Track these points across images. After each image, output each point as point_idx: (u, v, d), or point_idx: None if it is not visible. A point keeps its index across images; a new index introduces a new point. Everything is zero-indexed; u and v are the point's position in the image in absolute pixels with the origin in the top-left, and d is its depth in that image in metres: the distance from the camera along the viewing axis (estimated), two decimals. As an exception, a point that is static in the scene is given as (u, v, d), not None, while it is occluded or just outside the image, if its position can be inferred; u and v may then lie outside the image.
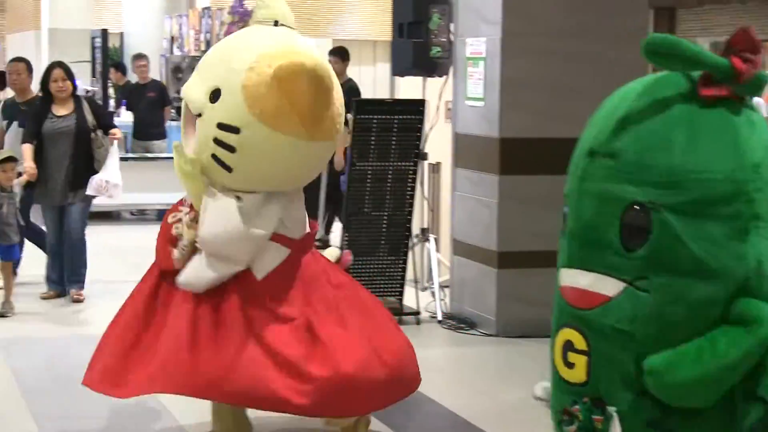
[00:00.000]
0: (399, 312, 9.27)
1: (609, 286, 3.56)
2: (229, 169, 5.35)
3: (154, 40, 21.93)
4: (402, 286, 9.42)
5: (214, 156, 5.33)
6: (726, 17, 21.48)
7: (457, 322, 9.04)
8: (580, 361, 3.62)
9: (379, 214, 9.29)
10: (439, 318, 9.22)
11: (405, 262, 9.42)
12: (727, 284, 3.42)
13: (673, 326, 3.45)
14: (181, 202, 5.68)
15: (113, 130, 9.58)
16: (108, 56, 19.91)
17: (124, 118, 15.74)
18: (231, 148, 5.30)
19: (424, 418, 6.93)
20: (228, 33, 5.16)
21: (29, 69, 10.48)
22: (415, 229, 9.61)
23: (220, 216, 5.38)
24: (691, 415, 3.53)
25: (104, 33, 21.30)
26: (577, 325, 3.64)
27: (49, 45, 29.04)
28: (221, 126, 5.28)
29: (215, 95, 5.30)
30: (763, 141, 3.56)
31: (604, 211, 3.57)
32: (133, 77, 17.10)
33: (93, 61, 21.36)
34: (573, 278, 3.71)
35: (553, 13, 8.30)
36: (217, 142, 5.30)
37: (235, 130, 5.26)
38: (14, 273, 9.37)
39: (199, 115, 5.32)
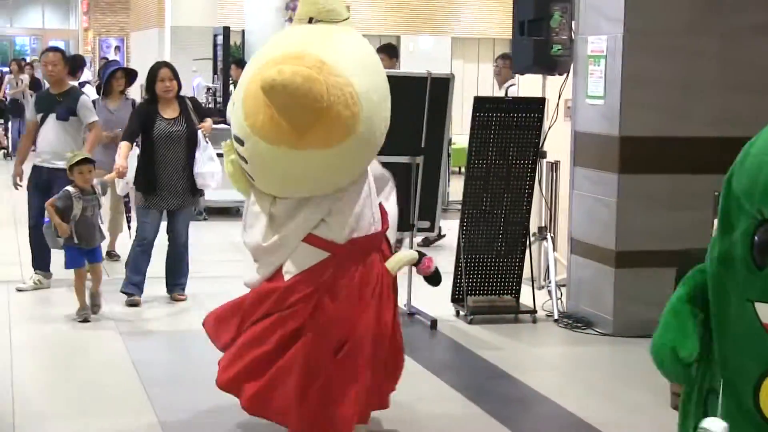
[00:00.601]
0: (515, 310, 9.30)
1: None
2: (252, 177, 5.47)
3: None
4: (519, 284, 9.44)
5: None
6: None
7: (574, 321, 9.00)
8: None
9: (497, 212, 9.30)
10: (556, 317, 9.20)
11: (522, 260, 9.43)
12: None
13: None
14: None
15: (204, 122, 9.51)
16: (229, 54, 20.06)
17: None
18: (244, 159, 5.41)
19: (540, 416, 6.94)
20: None
21: (65, 59, 10.37)
22: (533, 227, 9.60)
23: (252, 224, 5.52)
24: None
25: (226, 30, 21.47)
26: None
27: (171, 42, 29.38)
28: (234, 138, 5.42)
29: (233, 105, 5.48)
30: None
31: (739, 227, 3.38)
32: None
33: (215, 59, 21.52)
34: None
35: (675, 10, 8.24)
36: (237, 153, 5.45)
37: (241, 142, 5.35)
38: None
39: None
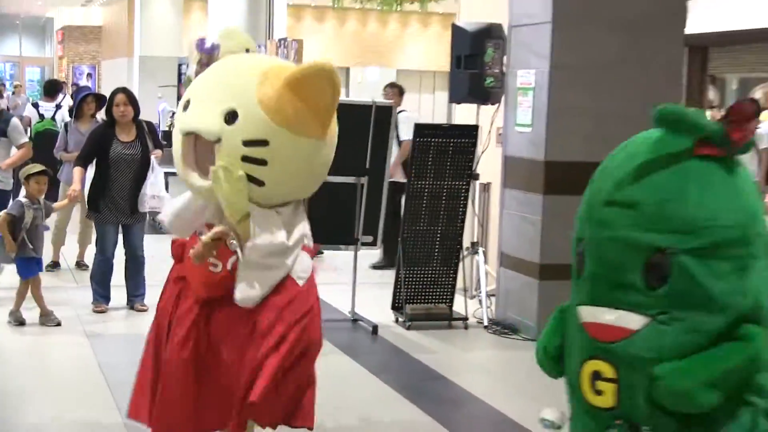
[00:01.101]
0: (449, 317, 9.32)
1: (634, 321, 3.64)
2: (261, 183, 5.14)
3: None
4: (452, 294, 9.46)
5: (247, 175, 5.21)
6: (753, 56, 21.34)
7: (502, 327, 9.03)
8: (609, 388, 3.70)
9: (434, 228, 9.33)
10: (486, 323, 9.23)
11: (456, 272, 9.45)
12: (733, 315, 3.55)
13: (689, 353, 3.54)
14: (194, 236, 5.36)
15: (155, 150, 9.34)
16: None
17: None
18: (262, 162, 5.12)
19: (471, 416, 6.95)
20: (200, 71, 4.95)
21: None
22: (466, 242, 9.62)
23: (267, 230, 5.17)
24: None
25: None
26: (605, 357, 3.70)
27: (139, 70, 29.35)
28: (248, 143, 5.07)
29: (231, 117, 5.09)
30: (753, 192, 3.73)
31: (628, 256, 3.66)
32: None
33: (179, 86, 21.52)
34: (597, 315, 3.76)
35: (596, 49, 8.27)
36: (247, 159, 5.09)
37: (263, 143, 5.10)
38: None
39: (218, 140, 5.06)
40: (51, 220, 9.83)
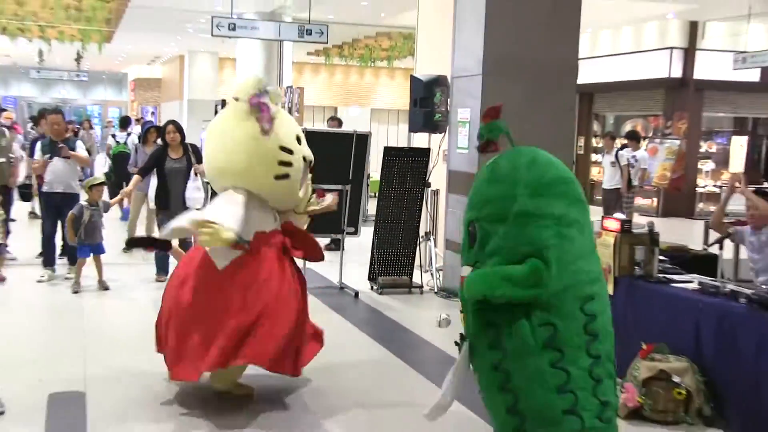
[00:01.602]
0: (409, 286, 9.27)
1: (466, 270, 4.02)
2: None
3: (255, 107, 21.97)
4: (412, 269, 9.42)
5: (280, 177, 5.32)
6: (625, 100, 21.42)
7: (447, 293, 9.00)
8: (462, 316, 4.13)
9: (398, 222, 9.29)
10: (436, 290, 9.21)
11: (414, 253, 9.41)
12: (516, 255, 3.81)
13: None
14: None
15: (196, 165, 9.02)
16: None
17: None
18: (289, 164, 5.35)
19: (425, 355, 6.92)
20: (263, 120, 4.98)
21: (64, 118, 9.72)
22: (422, 232, 9.57)
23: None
24: (509, 335, 3.84)
25: (223, 101, 21.34)
26: (461, 296, 4.11)
27: (188, 110, 29.24)
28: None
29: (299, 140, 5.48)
30: (538, 172, 3.90)
31: (465, 228, 4.08)
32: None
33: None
34: (461, 271, 4.10)
35: (515, 93, 8.14)
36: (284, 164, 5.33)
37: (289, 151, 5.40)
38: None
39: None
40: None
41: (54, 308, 8.05)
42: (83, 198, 8.77)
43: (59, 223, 9.13)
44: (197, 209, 9.07)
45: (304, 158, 5.43)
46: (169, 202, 8.97)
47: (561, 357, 3.77)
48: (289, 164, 5.28)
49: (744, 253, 6.74)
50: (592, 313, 3.84)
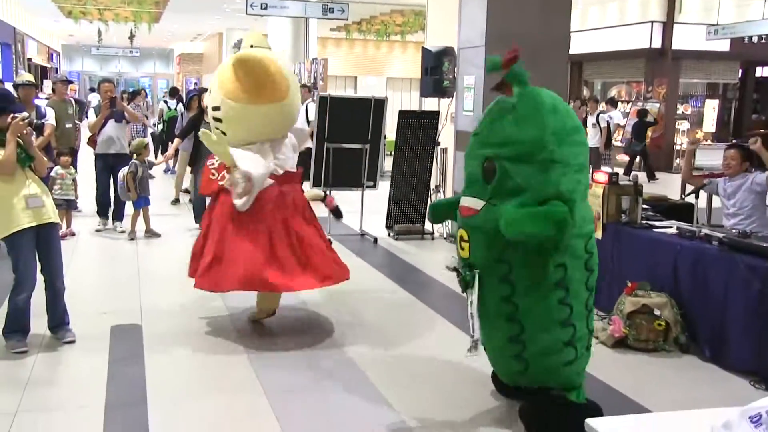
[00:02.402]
0: (422, 232, 9.23)
1: (478, 204, 3.80)
2: (225, 133, 5.22)
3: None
4: (424, 217, 9.35)
5: (216, 128, 5.28)
6: (612, 68, 21.26)
7: (455, 238, 8.89)
8: (466, 246, 3.86)
9: (411, 176, 9.22)
10: (445, 236, 9.15)
11: (426, 203, 9.33)
12: (535, 197, 3.61)
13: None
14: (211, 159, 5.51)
15: None
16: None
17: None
18: (220, 120, 5.23)
19: (434, 291, 6.91)
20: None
21: (115, 86, 9.62)
22: (432, 184, 9.51)
23: (255, 162, 5.11)
24: (522, 271, 3.73)
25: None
26: (464, 227, 3.90)
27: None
28: (212, 109, 5.27)
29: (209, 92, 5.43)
30: (561, 120, 3.70)
31: (476, 163, 3.86)
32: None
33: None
34: (465, 202, 3.92)
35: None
36: (215, 119, 5.28)
37: (217, 109, 5.21)
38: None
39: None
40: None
41: (112, 254, 8.07)
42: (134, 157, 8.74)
43: (111, 180, 8.97)
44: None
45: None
46: (199, 161, 8.92)
47: (567, 294, 3.73)
48: (218, 120, 5.27)
49: (717, 201, 6.68)
50: (591, 250, 3.82)
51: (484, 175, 3.79)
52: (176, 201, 11.13)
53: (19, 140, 4.81)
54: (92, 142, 8.97)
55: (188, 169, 9.98)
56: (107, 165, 8.92)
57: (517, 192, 3.65)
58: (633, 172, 14.31)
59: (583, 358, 3.89)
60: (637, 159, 16.63)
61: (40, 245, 4.92)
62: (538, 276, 3.70)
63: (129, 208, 8.93)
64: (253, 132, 5.26)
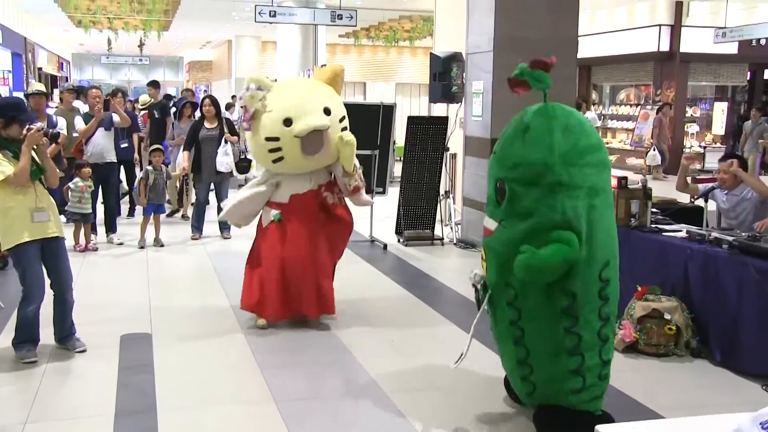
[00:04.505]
0: (431, 238, 9.21)
1: (493, 224, 3.79)
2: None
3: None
4: (434, 223, 9.35)
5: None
6: (620, 71, 21.20)
7: (465, 244, 8.93)
8: (484, 265, 3.88)
9: (421, 182, 9.21)
10: (455, 242, 9.12)
11: (435, 209, 9.33)
12: (542, 221, 3.56)
13: (515, 243, 3.61)
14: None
15: (228, 134, 9.03)
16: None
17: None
18: (347, 128, 5.69)
19: (445, 298, 6.89)
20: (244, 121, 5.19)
21: (103, 93, 9.19)
22: (442, 190, 9.50)
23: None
24: (527, 298, 3.70)
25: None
26: (484, 246, 3.92)
27: (236, 87, 29.17)
28: (341, 120, 5.62)
29: (327, 112, 5.49)
30: (572, 141, 3.58)
31: (492, 183, 3.82)
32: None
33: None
34: (485, 221, 3.90)
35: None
36: (343, 130, 5.64)
37: (345, 117, 5.65)
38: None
39: (328, 128, 5.47)
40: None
41: (121, 262, 8.07)
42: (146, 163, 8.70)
43: (100, 191, 8.72)
44: (223, 171, 8.96)
45: (296, 135, 5.33)
46: (201, 167, 9.00)
47: (575, 322, 3.62)
48: (277, 149, 5.38)
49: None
50: (607, 278, 3.64)
51: (496, 196, 3.75)
52: (176, 212, 10.71)
53: (34, 151, 4.81)
54: (78, 152, 8.65)
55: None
56: (99, 177, 8.50)
57: (526, 216, 3.59)
58: (640, 176, 14.28)
59: (595, 387, 3.76)
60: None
61: (47, 259, 4.91)
62: (543, 303, 3.65)
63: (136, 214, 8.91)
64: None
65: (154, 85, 12.62)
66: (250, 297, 5.65)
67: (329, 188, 5.65)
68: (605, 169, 3.70)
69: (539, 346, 3.71)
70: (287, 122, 5.31)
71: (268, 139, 5.37)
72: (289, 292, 5.54)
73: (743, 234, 5.21)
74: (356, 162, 5.61)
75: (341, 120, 5.56)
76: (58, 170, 5.22)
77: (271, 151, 5.39)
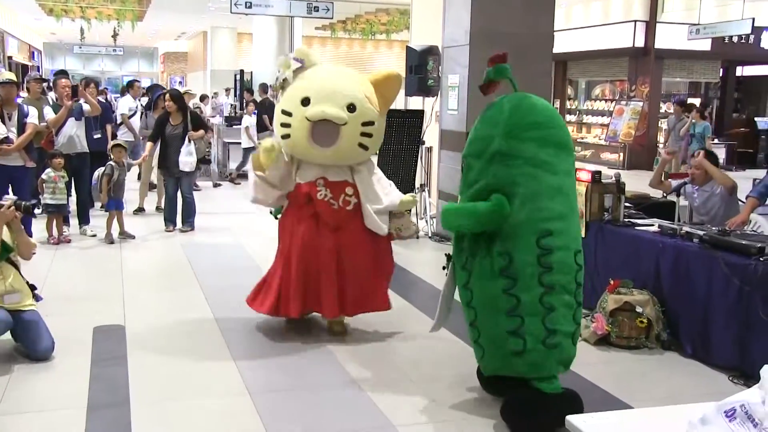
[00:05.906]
0: (407, 231, 9.25)
1: (462, 197, 4.03)
2: (366, 148, 5.25)
3: (271, 75, 21.83)
4: (409, 216, 9.34)
5: (359, 144, 5.17)
6: (596, 66, 21.33)
7: (440, 237, 8.96)
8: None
9: (397, 175, 9.20)
10: (430, 235, 9.17)
11: (411, 202, 9.35)
12: (483, 187, 3.83)
13: None
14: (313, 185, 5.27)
15: (191, 132, 8.96)
16: (243, 84, 19.77)
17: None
18: (371, 135, 5.20)
19: (421, 290, 6.92)
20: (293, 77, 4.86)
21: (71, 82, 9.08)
22: (417, 183, 9.53)
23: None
24: (474, 260, 3.93)
25: (241, 72, 21.21)
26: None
27: (211, 79, 29.03)
28: (365, 123, 5.12)
29: (352, 108, 5.07)
30: (517, 118, 3.85)
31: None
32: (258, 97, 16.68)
33: (235, 87, 21.29)
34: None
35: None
36: (363, 134, 5.14)
37: (372, 123, 5.15)
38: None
39: (345, 123, 5.04)
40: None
41: (92, 255, 7.99)
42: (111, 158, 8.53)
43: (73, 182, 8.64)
44: (187, 171, 8.92)
45: (308, 118, 5.07)
46: (167, 162, 9.01)
47: (513, 284, 3.77)
48: (287, 125, 5.16)
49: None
50: (548, 247, 3.74)
51: (462, 171, 4.06)
52: (141, 210, 10.44)
53: (7, 227, 4.56)
54: (48, 143, 8.39)
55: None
56: (71, 168, 8.45)
57: (472, 184, 3.90)
58: (615, 170, 14.34)
59: (538, 353, 3.80)
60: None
61: (18, 328, 4.72)
62: (486, 265, 3.85)
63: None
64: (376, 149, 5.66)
65: (130, 85, 12.61)
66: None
67: (335, 189, 5.30)
68: (552, 146, 3.85)
69: (482, 307, 3.92)
70: (305, 101, 5.10)
71: (283, 111, 5.21)
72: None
73: (714, 228, 5.29)
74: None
75: (365, 124, 5.15)
76: (28, 203, 4.95)
77: (283, 125, 5.21)
